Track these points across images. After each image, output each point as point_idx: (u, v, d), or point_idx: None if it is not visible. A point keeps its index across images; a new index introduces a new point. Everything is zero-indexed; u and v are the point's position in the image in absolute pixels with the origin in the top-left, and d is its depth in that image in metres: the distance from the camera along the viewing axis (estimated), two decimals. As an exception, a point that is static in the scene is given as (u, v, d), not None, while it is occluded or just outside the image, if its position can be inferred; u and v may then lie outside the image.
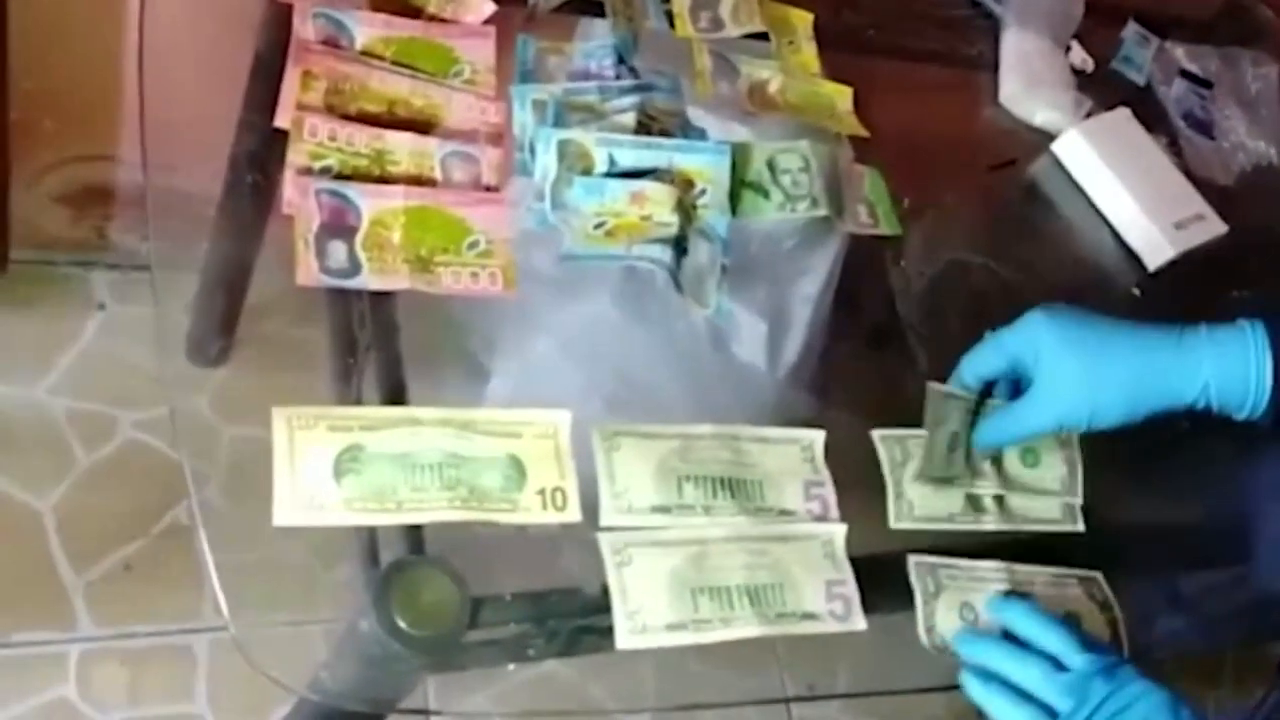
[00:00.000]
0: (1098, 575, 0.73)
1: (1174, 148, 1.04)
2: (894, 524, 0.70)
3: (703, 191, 0.75)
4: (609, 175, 0.73)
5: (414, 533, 0.60)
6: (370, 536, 0.61)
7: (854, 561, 0.68)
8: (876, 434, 0.72)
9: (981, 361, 0.71)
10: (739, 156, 0.78)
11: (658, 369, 0.78)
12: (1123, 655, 0.70)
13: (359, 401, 0.65)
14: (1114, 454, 0.85)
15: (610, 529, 0.63)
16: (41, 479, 1.24)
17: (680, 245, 0.73)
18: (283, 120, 0.68)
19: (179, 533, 1.28)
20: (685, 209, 0.74)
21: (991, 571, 0.70)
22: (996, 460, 0.73)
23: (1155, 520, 0.87)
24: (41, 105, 1.15)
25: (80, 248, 1.33)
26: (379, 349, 0.66)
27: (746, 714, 1.45)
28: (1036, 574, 0.71)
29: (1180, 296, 0.94)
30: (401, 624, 0.56)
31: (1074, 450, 0.76)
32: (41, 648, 1.17)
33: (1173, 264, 0.94)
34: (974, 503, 0.72)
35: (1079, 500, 0.75)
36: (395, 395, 0.64)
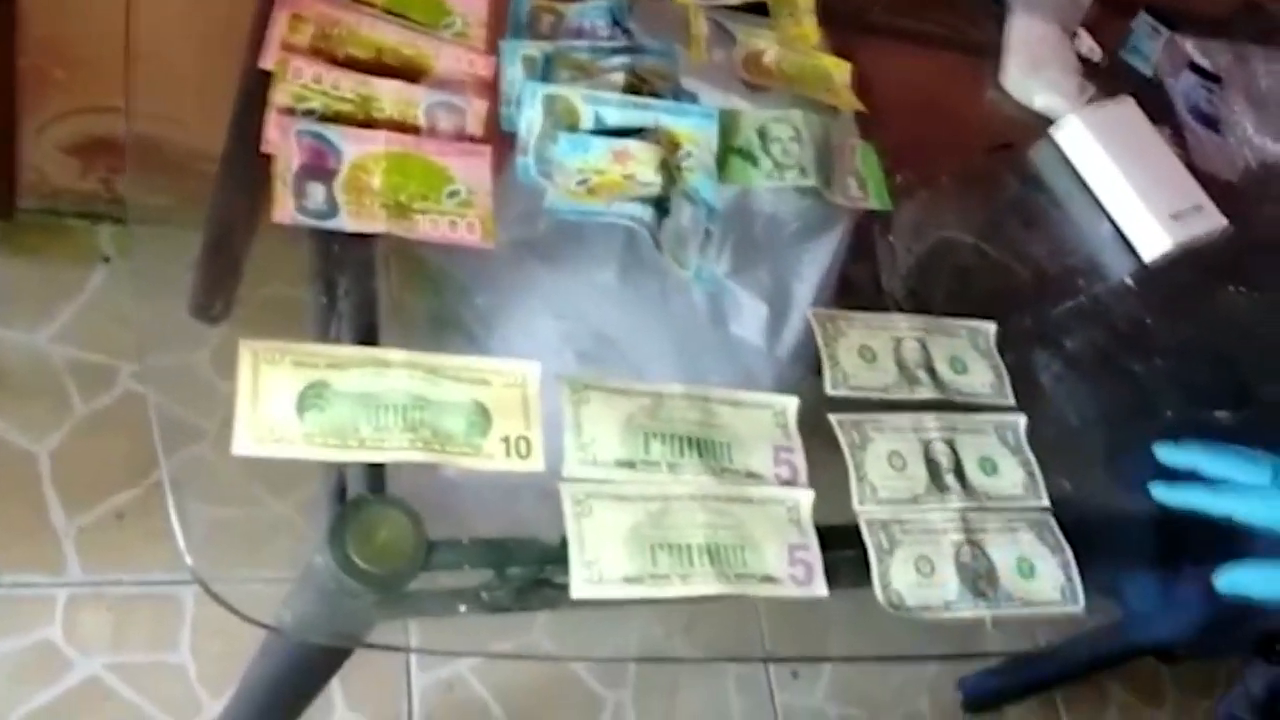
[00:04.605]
0: (1049, 518, 0.73)
1: (1178, 140, 1.03)
2: (858, 506, 0.70)
3: (688, 154, 0.75)
4: (595, 133, 0.73)
5: (376, 473, 0.61)
6: (339, 478, 0.61)
7: (824, 530, 0.68)
8: (834, 418, 0.72)
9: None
10: (729, 122, 0.78)
11: (641, 333, 0.78)
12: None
13: (337, 342, 0.65)
14: (1097, 446, 0.85)
15: (572, 480, 0.63)
16: (39, 425, 1.25)
17: (662, 205, 0.73)
18: (267, 62, 0.68)
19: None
20: (669, 170, 0.73)
21: (944, 522, 0.70)
22: (959, 473, 0.73)
23: (1135, 514, 0.86)
24: (52, 53, 1.16)
25: (87, 199, 1.34)
26: (354, 291, 0.66)
27: (730, 702, 1.45)
28: (989, 519, 0.71)
29: (1175, 289, 0.93)
30: (355, 559, 0.56)
31: (1028, 454, 0.76)
32: (29, 589, 1.18)
33: (1170, 256, 0.93)
34: (937, 482, 0.72)
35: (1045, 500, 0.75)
36: (366, 336, 0.64)
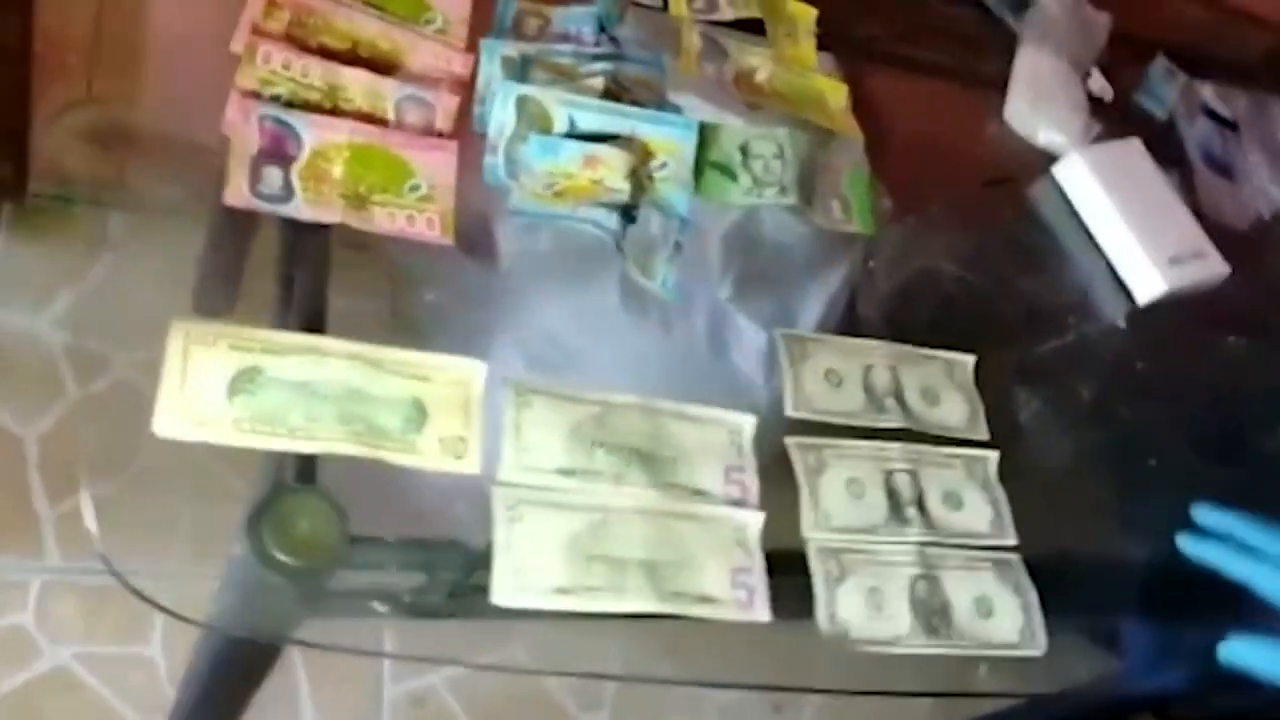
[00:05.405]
0: (1012, 556, 0.70)
1: (1188, 185, 1.00)
2: (807, 532, 0.67)
3: (663, 164, 0.74)
4: (567, 137, 0.72)
5: (307, 465, 0.59)
6: (277, 471, 0.60)
7: (775, 554, 0.66)
8: (790, 441, 0.69)
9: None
10: (709, 135, 0.77)
11: (601, 343, 0.77)
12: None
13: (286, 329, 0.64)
14: (1089, 490, 0.82)
15: (506, 484, 0.61)
16: (29, 408, 1.26)
17: (629, 213, 0.72)
18: (237, 45, 0.68)
19: (157, 476, 1.29)
20: (639, 178, 0.72)
21: (900, 554, 0.67)
22: (921, 506, 0.71)
23: (1131, 562, 0.83)
24: (65, 42, 1.18)
25: (98, 187, 1.35)
26: (305, 279, 0.65)
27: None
28: (949, 555, 0.68)
29: (1169, 334, 0.90)
30: (271, 549, 0.55)
31: (997, 492, 0.73)
32: (3, 573, 1.18)
33: (1166, 300, 0.90)
34: (897, 513, 0.69)
35: (1012, 539, 0.72)
36: (312, 324, 0.63)
